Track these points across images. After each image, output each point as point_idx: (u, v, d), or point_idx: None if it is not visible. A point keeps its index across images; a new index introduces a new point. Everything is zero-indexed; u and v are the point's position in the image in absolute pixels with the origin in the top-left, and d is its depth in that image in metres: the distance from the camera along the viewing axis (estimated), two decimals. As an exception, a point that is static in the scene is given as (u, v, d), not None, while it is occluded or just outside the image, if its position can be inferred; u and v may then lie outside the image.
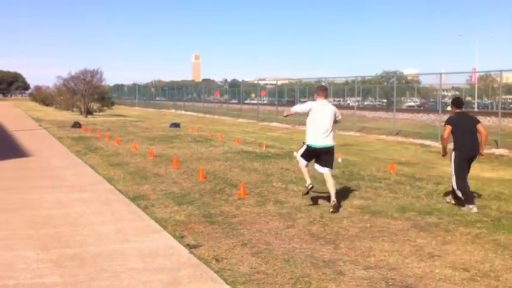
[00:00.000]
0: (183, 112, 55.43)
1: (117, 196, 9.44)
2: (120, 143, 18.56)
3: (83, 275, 5.32)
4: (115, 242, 6.53)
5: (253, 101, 56.76)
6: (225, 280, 5.24)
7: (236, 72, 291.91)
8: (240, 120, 40.77)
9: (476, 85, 58.29)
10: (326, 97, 8.76)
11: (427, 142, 22.58)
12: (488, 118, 29.89)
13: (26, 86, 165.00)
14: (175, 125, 30.13)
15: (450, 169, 8.90)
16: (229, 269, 5.57)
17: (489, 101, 56.27)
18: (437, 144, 21.66)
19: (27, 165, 13.39)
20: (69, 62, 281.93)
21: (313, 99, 8.77)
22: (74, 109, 45.51)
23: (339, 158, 14.69)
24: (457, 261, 5.89)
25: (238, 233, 7.01)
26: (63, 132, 24.13)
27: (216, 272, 5.48)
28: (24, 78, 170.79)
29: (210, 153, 15.95)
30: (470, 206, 8.40)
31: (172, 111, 59.69)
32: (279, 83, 55.76)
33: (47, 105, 62.66)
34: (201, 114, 49.01)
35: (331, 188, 8.42)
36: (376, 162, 14.95)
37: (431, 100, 54.59)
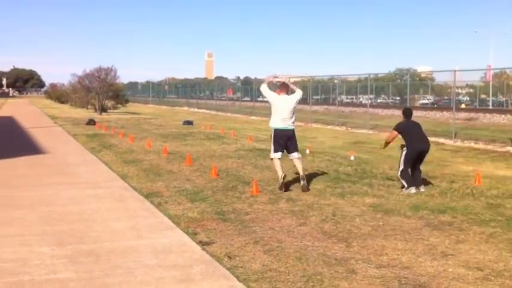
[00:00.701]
0: (195, 110, 55.58)
1: (131, 193, 9.52)
2: (134, 140, 18.68)
3: (98, 271, 5.38)
4: (129, 239, 6.59)
5: (265, 99, 56.80)
6: (238, 277, 5.27)
7: (249, 69, 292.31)
8: (253, 117, 40.80)
9: (490, 82, 57.78)
10: (287, 92, 9.98)
11: (441, 140, 22.43)
12: (503, 116, 29.67)
13: (41, 84, 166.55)
14: (189, 123, 30.25)
15: (400, 160, 10.16)
16: (242, 267, 5.60)
17: (504, 99, 55.76)
18: (452, 142, 21.55)
19: (43, 162, 13.53)
20: (83, 60, 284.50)
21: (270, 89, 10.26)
22: (89, 106, 45.86)
23: (351, 156, 14.68)
24: (470, 261, 5.87)
25: (251, 230, 7.04)
26: (78, 130, 24.33)
27: (228, 269, 5.51)
28: (39, 76, 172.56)
29: (222, 151, 16.00)
30: (410, 188, 9.68)
31: (185, 108, 59.87)
32: (291, 80, 55.75)
33: (62, 102, 63.14)
34: (213, 112, 49.10)
35: (301, 171, 9.74)
36: (389, 160, 14.88)
37: (445, 98, 54.24)
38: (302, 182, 9.60)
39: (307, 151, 15.85)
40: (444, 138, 22.76)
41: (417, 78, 61.66)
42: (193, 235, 6.75)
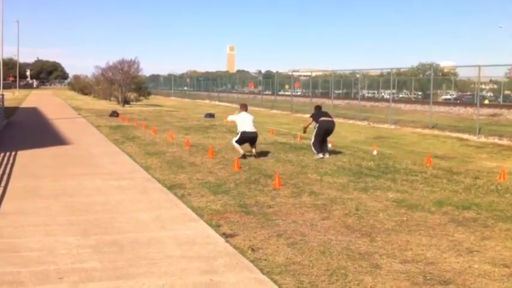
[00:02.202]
0: (217, 103, 55.72)
1: (154, 184, 9.58)
2: (156, 132, 18.80)
3: (122, 261, 5.43)
4: (153, 230, 6.64)
5: (286, 93, 56.65)
6: (261, 270, 5.27)
7: (270, 63, 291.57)
8: (274, 111, 40.78)
9: (515, 78, 56.75)
10: (246, 110, 13.63)
11: (465, 136, 22.21)
12: (529, 112, 29.12)
13: (64, 76, 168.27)
14: (210, 116, 30.36)
15: (312, 137, 13.70)
16: (265, 259, 5.60)
17: (529, 95, 54.73)
18: (475, 138, 21.30)
19: (67, 153, 13.69)
20: (107, 52, 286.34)
21: (240, 112, 13.69)
22: (112, 98, 46.19)
23: (373, 151, 14.58)
24: (496, 257, 5.80)
25: (274, 223, 7.04)
26: (102, 121, 24.56)
27: (251, 261, 5.52)
28: (63, 68, 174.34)
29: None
30: (319, 154, 13.13)
31: (207, 101, 60.05)
32: (313, 74, 55.47)
33: (85, 94, 63.76)
34: (235, 105, 49.06)
35: (254, 151, 13.16)
36: (412, 156, 14.78)
37: (468, 93, 53.49)
38: (254, 153, 13.12)
39: (329, 145, 15.77)
40: (468, 134, 22.51)
41: (440, 74, 60.90)
42: (216, 227, 6.78)
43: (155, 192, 8.90)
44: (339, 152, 14.45)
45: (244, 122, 13.19)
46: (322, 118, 13.66)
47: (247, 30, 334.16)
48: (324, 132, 13.50)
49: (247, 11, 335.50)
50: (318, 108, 14.51)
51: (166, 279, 4.97)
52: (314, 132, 13.55)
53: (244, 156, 12.88)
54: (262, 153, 13.72)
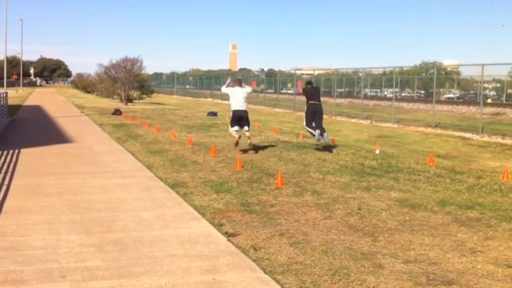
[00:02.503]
0: (219, 101, 55.67)
1: (157, 183, 9.59)
2: (159, 131, 18.82)
3: (125, 260, 5.43)
4: (155, 228, 6.64)
5: (289, 91, 56.59)
6: (263, 269, 5.27)
7: (273, 62, 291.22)
8: (277, 109, 40.76)
9: (519, 77, 56.62)
10: (241, 85, 13.66)
11: (467, 135, 22.16)
12: (532, 111, 29.07)
13: (68, 74, 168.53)
14: (213, 114, 30.35)
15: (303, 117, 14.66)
16: (267, 259, 5.60)
17: (533, 94, 54.59)
18: (478, 137, 21.26)
19: (70, 151, 13.71)
20: (110, 51, 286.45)
21: (233, 86, 13.80)
22: (115, 96, 46.29)
23: (376, 150, 14.56)
24: (499, 257, 5.79)
25: (276, 222, 7.04)
26: (104, 119, 24.59)
27: (254, 260, 5.52)
28: (66, 66, 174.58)
29: (247, 143, 15.97)
30: (315, 132, 13.81)
31: (209, 100, 60.06)
32: (316, 73, 55.42)
33: (88, 92, 63.87)
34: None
35: (249, 138, 13.60)
36: (415, 155, 14.76)
37: (471, 92, 53.39)
38: (249, 141, 13.68)
39: (328, 138, 15.76)
40: (471, 133, 22.47)
41: (443, 72, 60.79)
42: (218, 226, 6.78)
43: (158, 191, 8.91)
44: (341, 151, 14.42)
45: (235, 99, 13.43)
46: (310, 101, 14.21)
47: (250, 28, 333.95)
48: (312, 113, 14.11)
49: (250, 10, 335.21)
50: (310, 82, 15.34)
51: (169, 278, 4.97)
52: (305, 112, 14.50)
53: (237, 143, 13.65)
54: (265, 152, 13.72)
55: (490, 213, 7.80)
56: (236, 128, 13.45)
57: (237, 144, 13.68)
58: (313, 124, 13.95)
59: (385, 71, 54.32)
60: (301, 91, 15.33)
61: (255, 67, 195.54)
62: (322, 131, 13.88)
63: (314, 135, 13.91)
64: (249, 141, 13.64)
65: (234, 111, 13.45)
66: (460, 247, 6.14)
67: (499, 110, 30.00)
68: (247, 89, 13.78)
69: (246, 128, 13.44)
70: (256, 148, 14.06)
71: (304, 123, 14.27)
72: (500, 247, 6.16)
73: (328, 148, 14.58)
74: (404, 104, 36.92)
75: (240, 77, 14.80)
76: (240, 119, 13.38)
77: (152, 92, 50.95)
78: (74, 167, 11.17)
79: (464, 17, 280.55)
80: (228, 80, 14.58)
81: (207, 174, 10.42)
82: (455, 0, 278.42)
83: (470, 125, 24.04)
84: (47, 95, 58.56)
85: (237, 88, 13.55)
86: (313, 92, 14.49)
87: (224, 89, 14.13)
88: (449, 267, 5.46)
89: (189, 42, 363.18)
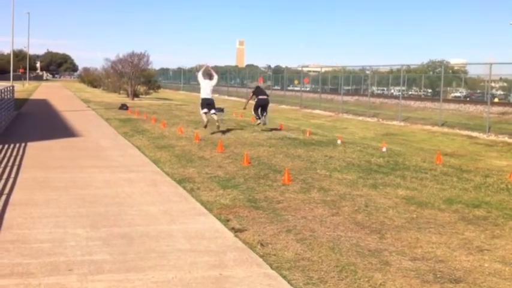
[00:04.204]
0: (226, 97, 55.66)
1: (164, 178, 9.60)
2: (166, 126, 18.84)
3: (132, 254, 5.44)
4: (162, 223, 6.64)
5: (296, 88, 56.53)
6: (270, 265, 5.26)
7: (280, 58, 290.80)
8: (283, 106, 40.69)
9: (527, 76, 56.28)
10: (210, 78, 17.11)
11: (474, 134, 22.06)
12: (540, 111, 28.90)
13: (74, 68, 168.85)
14: (220, 110, 30.27)
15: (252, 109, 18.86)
16: (274, 254, 5.60)
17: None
18: (485, 136, 21.17)
19: (77, 145, 13.74)
20: (117, 45, 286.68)
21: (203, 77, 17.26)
22: (121, 91, 46.35)
23: (383, 147, 14.53)
24: (506, 256, 5.76)
25: (283, 218, 7.03)
26: (111, 114, 24.63)
27: (261, 256, 5.51)
28: (73, 60, 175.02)
29: (253, 139, 16.00)
30: (258, 120, 18.41)
31: (216, 95, 59.92)
32: (323, 70, 55.31)
33: (95, 87, 63.94)
34: (244, 100, 49.01)
35: (216, 120, 16.97)
36: (422, 153, 14.70)
37: (478, 91, 53.17)
38: (217, 124, 17.03)
39: (339, 141, 15.75)
40: (478, 132, 22.37)
41: (450, 71, 60.56)
42: (225, 222, 6.78)
43: (164, 186, 8.92)
44: (348, 148, 14.40)
45: (204, 89, 17.03)
46: (260, 96, 18.38)
47: (257, 24, 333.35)
48: (260, 106, 18.43)
49: (257, 6, 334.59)
50: (258, 88, 19.43)
51: (176, 272, 4.97)
52: (253, 106, 18.66)
53: (206, 126, 16.83)
54: (271, 148, 13.72)
55: (497, 211, 7.77)
56: (205, 110, 16.82)
57: (205, 126, 16.83)
58: (259, 112, 18.37)
59: (392, 69, 54.17)
60: (252, 93, 19.17)
61: (262, 63, 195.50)
62: (264, 116, 18.55)
63: (259, 119, 18.42)
64: (217, 124, 16.97)
65: (203, 99, 16.98)
66: (467, 245, 6.11)
67: (506, 109, 29.83)
68: (213, 82, 17.20)
69: (212, 111, 16.95)
70: (224, 132, 17.42)
71: (253, 110, 18.72)
72: (508, 246, 6.14)
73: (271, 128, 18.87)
74: (411, 102, 36.76)
75: (210, 68, 17.73)
76: (208, 104, 16.91)
77: (159, 87, 50.99)
78: (80, 161, 11.19)
79: (472, 16, 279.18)
80: (204, 67, 17.89)
81: (213, 170, 10.42)
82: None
83: (477, 124, 23.92)
84: (53, 89, 58.70)
85: (206, 81, 17.05)
86: (260, 91, 18.81)
87: (199, 76, 17.38)
88: (456, 265, 5.44)
89: (196, 38, 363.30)
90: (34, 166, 10.39)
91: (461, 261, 5.55)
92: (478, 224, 7.08)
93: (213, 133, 16.82)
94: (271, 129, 19.08)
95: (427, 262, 5.48)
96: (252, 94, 19.04)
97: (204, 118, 16.84)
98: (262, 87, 20.28)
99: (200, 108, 17.17)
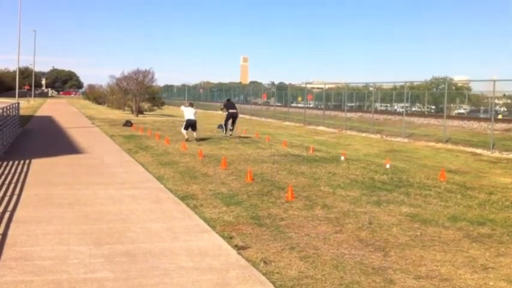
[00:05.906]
0: (230, 113, 55.70)
1: (167, 195, 9.60)
2: (169, 143, 18.87)
3: (135, 272, 5.42)
4: (165, 240, 6.63)
5: (299, 105, 56.59)
6: (274, 283, 5.24)
7: (283, 75, 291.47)
8: (287, 123, 40.75)
9: (530, 93, 56.23)
10: (192, 106, 21.42)
11: (478, 150, 22.02)
12: (544, 128, 28.82)
13: (79, 85, 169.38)
14: (220, 127, 30.30)
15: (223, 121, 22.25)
16: (278, 272, 5.57)
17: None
18: (489, 153, 21.12)
19: (81, 162, 13.76)
20: (122, 62, 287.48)
21: (185, 107, 21.51)
22: (126, 108, 46.44)
23: (386, 164, 14.50)
24: (511, 274, 5.72)
25: (286, 236, 7.01)
26: (115, 131, 24.69)
27: (264, 274, 5.49)
28: (78, 77, 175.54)
29: (257, 155, 16.00)
30: (224, 132, 21.75)
31: (220, 112, 60.07)
32: (326, 86, 55.43)
33: (100, 103, 64.19)
34: (248, 116, 49.12)
35: (195, 136, 20.62)
36: (425, 170, 14.67)
37: (481, 108, 53.14)
38: (195, 137, 20.48)
39: (342, 158, 15.73)
40: (482, 148, 22.32)
41: (453, 88, 60.59)
42: (228, 239, 6.76)
43: (168, 203, 8.91)
44: (352, 165, 14.38)
45: (188, 113, 20.67)
46: (230, 110, 21.97)
47: (261, 41, 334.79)
48: (231, 118, 21.96)
49: (261, 23, 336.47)
50: (228, 100, 23.11)
51: (179, 290, 4.95)
52: (225, 117, 22.13)
53: (187, 140, 19.68)
54: (275, 165, 13.71)
55: (502, 229, 7.72)
56: (188, 130, 20.43)
57: (187, 140, 19.77)
58: (229, 124, 21.91)
59: (396, 86, 54.22)
60: (223, 106, 22.53)
61: (265, 80, 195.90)
62: (232, 129, 22.14)
63: (226, 131, 21.99)
64: (195, 136, 20.60)
65: (187, 120, 20.51)
66: (471, 263, 6.08)
67: (510, 126, 29.79)
68: (194, 110, 21.05)
69: (195, 132, 20.71)
70: (200, 141, 20.12)
71: (223, 122, 22.28)
72: (513, 264, 6.09)
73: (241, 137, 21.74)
74: (415, 119, 36.76)
75: (192, 102, 24.26)
76: (191, 125, 20.51)
77: (163, 104, 51.12)
78: (84, 177, 11.20)
79: (476, 33, 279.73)
80: (186, 104, 22.10)
81: (217, 187, 10.42)
82: (467, 16, 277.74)
83: (481, 140, 23.89)
84: (58, 106, 58.90)
85: (189, 108, 21.03)
86: (230, 105, 22.30)
87: (182, 108, 21.58)
88: (461, 283, 5.40)
89: (201, 55, 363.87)
90: (38, 183, 10.41)
91: (466, 280, 5.51)
92: (483, 241, 7.04)
93: (189, 141, 19.73)
94: (240, 137, 22.74)
95: (432, 280, 5.45)
96: (223, 107, 22.66)
97: (185, 135, 20.38)
98: (232, 102, 23.65)
99: (183, 127, 20.75)
